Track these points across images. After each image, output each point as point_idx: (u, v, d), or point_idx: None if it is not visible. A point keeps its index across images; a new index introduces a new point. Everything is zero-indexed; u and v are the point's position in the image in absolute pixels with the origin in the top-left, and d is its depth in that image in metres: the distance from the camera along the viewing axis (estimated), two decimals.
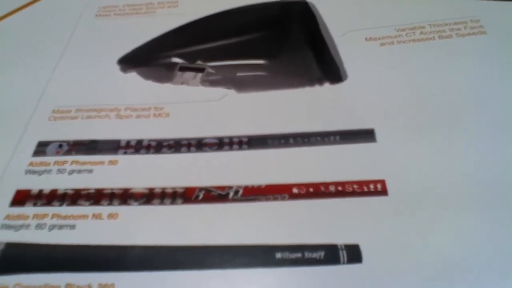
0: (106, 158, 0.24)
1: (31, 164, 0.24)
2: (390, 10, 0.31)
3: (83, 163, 0.24)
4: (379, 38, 0.30)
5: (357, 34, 0.30)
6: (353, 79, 0.27)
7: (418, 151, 0.23)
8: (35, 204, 0.22)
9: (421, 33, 0.30)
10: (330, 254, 0.20)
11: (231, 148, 0.24)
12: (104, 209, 0.22)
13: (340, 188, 0.22)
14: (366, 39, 0.30)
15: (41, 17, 0.34)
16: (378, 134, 0.24)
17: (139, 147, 0.24)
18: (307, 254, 0.20)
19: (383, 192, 0.22)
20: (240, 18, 0.32)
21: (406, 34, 0.30)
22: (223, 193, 0.22)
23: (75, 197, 0.22)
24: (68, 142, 0.25)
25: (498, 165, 0.22)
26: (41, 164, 0.24)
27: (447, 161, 0.23)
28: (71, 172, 0.23)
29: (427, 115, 0.25)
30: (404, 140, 0.24)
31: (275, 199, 0.22)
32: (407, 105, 0.26)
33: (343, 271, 0.19)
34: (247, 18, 0.32)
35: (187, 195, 0.22)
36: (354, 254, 0.20)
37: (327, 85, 0.27)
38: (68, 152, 0.24)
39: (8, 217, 0.22)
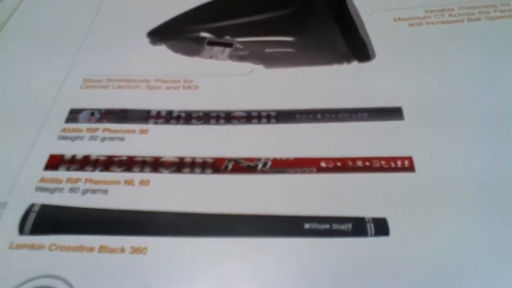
0: (137, 127, 0.24)
1: (63, 130, 0.24)
2: None
3: (115, 131, 0.24)
4: (407, 19, 0.30)
5: (386, 14, 0.30)
6: (381, 58, 0.27)
7: (445, 131, 0.23)
8: (68, 169, 0.23)
9: (449, 15, 0.30)
10: (358, 227, 0.20)
11: (259, 122, 0.24)
12: (135, 176, 0.22)
13: (367, 163, 0.22)
14: (394, 19, 0.30)
15: None
16: (405, 112, 0.24)
17: (169, 117, 0.25)
18: (335, 226, 0.20)
19: (410, 168, 0.22)
20: None
21: (435, 16, 0.30)
22: (252, 164, 0.23)
23: (107, 163, 0.23)
24: (99, 110, 0.25)
25: None
26: (73, 130, 0.24)
27: (473, 142, 0.23)
28: (103, 139, 0.24)
29: (454, 96, 0.25)
30: (431, 119, 0.24)
31: (303, 172, 0.22)
32: (434, 86, 0.26)
33: (370, 243, 0.20)
34: None
35: (217, 166, 0.23)
36: (381, 227, 0.20)
37: (355, 63, 0.27)
38: (99, 120, 0.25)
39: (42, 180, 0.22)
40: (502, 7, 0.29)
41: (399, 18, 0.30)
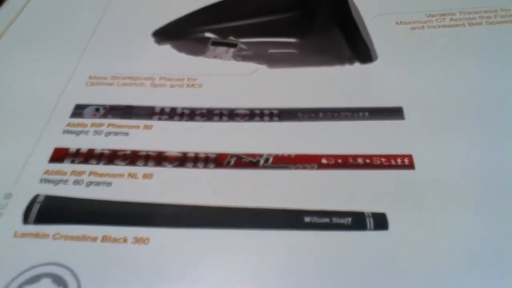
0: (142, 122, 0.25)
1: (68, 124, 0.25)
2: None
3: (119, 126, 0.25)
4: (409, 23, 0.30)
5: (388, 17, 0.31)
6: (383, 60, 0.28)
7: (445, 130, 0.24)
8: (73, 162, 0.23)
9: (451, 19, 0.30)
10: (357, 221, 0.20)
11: (262, 119, 0.25)
12: (139, 169, 0.23)
13: (368, 160, 0.23)
14: (396, 23, 0.30)
15: None
16: (406, 112, 0.25)
17: (173, 114, 0.25)
18: (335, 220, 0.20)
19: (410, 166, 0.22)
20: None
21: (436, 20, 0.30)
22: (254, 160, 0.23)
23: (111, 157, 0.23)
24: (104, 106, 0.26)
25: None
26: (78, 125, 0.25)
27: (472, 142, 0.23)
28: (108, 134, 0.24)
29: (454, 98, 0.25)
30: (431, 119, 0.24)
31: (304, 168, 0.23)
32: (435, 88, 0.26)
33: (369, 237, 0.20)
34: None
35: (219, 161, 0.23)
36: (380, 221, 0.20)
37: (357, 65, 0.28)
38: (104, 116, 0.25)
39: (47, 172, 0.23)
40: (502, 12, 0.30)
41: (401, 22, 0.30)
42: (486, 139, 0.23)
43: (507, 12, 0.30)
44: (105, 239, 0.20)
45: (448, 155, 0.23)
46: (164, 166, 0.23)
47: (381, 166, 0.22)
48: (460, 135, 0.23)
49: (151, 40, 0.30)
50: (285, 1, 0.32)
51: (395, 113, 0.25)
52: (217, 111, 0.25)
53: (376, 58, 0.28)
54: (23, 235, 0.20)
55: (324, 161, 0.23)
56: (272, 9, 0.31)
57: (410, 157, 0.23)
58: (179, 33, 0.31)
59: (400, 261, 0.19)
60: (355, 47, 0.29)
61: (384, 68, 0.27)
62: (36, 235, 0.20)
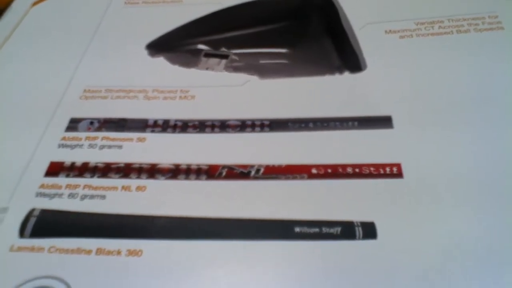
0: (135, 135, 0.25)
1: (63, 138, 0.25)
2: (410, 4, 0.32)
3: (113, 139, 0.25)
4: (398, 31, 0.31)
5: (377, 26, 0.31)
6: (372, 69, 0.28)
7: (434, 138, 0.24)
8: (67, 175, 0.24)
9: (439, 27, 0.30)
10: (347, 230, 0.21)
11: (253, 130, 0.25)
12: (132, 182, 0.23)
13: (357, 170, 0.23)
14: (385, 31, 0.31)
15: (74, 3, 0.35)
16: (395, 121, 0.25)
17: (165, 126, 0.26)
18: (325, 229, 0.21)
19: (399, 175, 0.23)
20: (263, 9, 0.33)
21: (425, 28, 0.31)
22: (245, 171, 0.23)
23: (105, 170, 0.24)
24: (98, 120, 0.26)
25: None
26: (73, 139, 0.25)
27: (461, 150, 0.24)
28: (102, 147, 0.25)
29: (443, 106, 0.26)
30: (420, 128, 0.25)
31: (294, 178, 0.23)
32: (424, 96, 0.26)
33: (358, 246, 0.20)
34: (270, 9, 0.33)
35: (211, 172, 0.23)
36: (369, 230, 0.21)
37: (346, 74, 0.28)
38: (98, 129, 0.26)
39: (43, 186, 0.23)
40: (490, 20, 0.30)
41: (390, 31, 0.31)
42: (474, 147, 0.24)
43: (495, 19, 0.30)
44: (99, 251, 0.20)
45: (436, 164, 0.23)
46: (157, 178, 0.23)
47: (370, 175, 0.23)
48: (449, 144, 0.24)
49: (145, 52, 0.31)
50: (275, 12, 0.33)
51: (384, 122, 0.25)
52: (209, 123, 0.26)
53: (365, 67, 0.28)
54: (19, 248, 0.21)
55: (314, 171, 0.23)
56: (262, 20, 0.32)
57: (398, 166, 0.23)
58: (172, 46, 0.31)
59: (389, 270, 0.19)
60: (345, 56, 0.29)
61: (373, 77, 0.28)
62: (32, 249, 0.21)
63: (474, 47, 0.29)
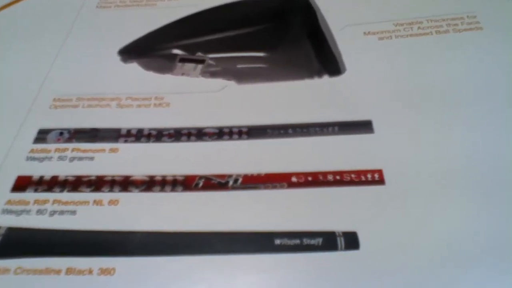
0: (107, 146, 0.24)
1: (31, 151, 0.24)
2: (389, 5, 0.32)
3: (84, 151, 0.24)
4: (377, 33, 0.30)
5: (356, 28, 0.30)
6: (351, 72, 0.28)
7: (414, 142, 0.24)
8: (36, 190, 0.22)
9: (418, 28, 0.30)
10: (328, 241, 0.20)
11: (231, 138, 0.24)
12: (105, 196, 0.22)
13: (338, 177, 0.22)
14: (364, 33, 0.30)
15: (43, 7, 0.34)
16: (375, 125, 0.24)
17: (139, 135, 0.25)
18: (306, 241, 0.20)
19: (380, 181, 0.22)
20: (240, 11, 0.32)
21: (404, 29, 0.30)
22: (223, 181, 0.22)
23: (76, 184, 0.23)
24: (69, 130, 0.25)
25: (491, 155, 0.23)
26: (42, 151, 0.24)
27: (442, 152, 0.23)
28: (72, 159, 0.24)
29: (424, 108, 0.25)
30: (401, 131, 0.24)
31: (274, 187, 0.22)
32: (404, 98, 0.26)
33: (340, 257, 0.20)
34: (247, 11, 0.32)
35: (187, 183, 0.22)
36: (351, 241, 0.20)
37: (326, 78, 0.27)
38: (69, 140, 0.25)
39: (9, 202, 0.22)
40: (469, 20, 0.30)
41: (369, 32, 0.30)
42: (456, 149, 0.23)
43: (473, 19, 0.30)
44: (69, 271, 0.19)
45: (418, 168, 0.22)
46: (130, 191, 0.22)
47: (351, 183, 0.22)
48: (430, 146, 0.23)
49: (118, 58, 0.29)
50: (252, 15, 0.32)
51: (364, 126, 0.24)
52: (185, 131, 0.25)
53: (344, 70, 0.28)
54: None
55: (294, 179, 0.22)
56: (239, 24, 0.31)
57: (380, 172, 0.22)
58: (146, 51, 0.30)
59: (373, 282, 0.19)
60: (324, 59, 0.28)
61: (352, 80, 0.27)
62: None
63: (453, 48, 0.29)
